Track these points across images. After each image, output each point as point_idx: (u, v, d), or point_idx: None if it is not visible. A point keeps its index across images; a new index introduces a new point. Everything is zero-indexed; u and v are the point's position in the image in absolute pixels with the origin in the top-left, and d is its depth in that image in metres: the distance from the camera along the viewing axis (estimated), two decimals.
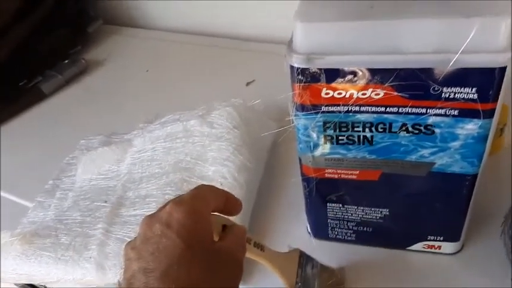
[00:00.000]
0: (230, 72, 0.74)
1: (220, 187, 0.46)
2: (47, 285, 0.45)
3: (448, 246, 0.40)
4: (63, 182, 0.54)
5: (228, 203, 0.31)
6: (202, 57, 0.79)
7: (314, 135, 0.34)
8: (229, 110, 0.53)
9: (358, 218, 0.40)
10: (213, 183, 0.47)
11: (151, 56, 0.81)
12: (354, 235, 0.42)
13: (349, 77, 0.30)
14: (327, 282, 0.38)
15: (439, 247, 0.40)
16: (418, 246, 0.41)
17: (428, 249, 0.41)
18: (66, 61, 0.77)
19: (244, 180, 0.47)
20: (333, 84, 0.31)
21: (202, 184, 0.31)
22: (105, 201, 0.48)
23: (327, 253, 0.43)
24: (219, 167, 0.48)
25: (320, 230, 0.43)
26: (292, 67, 0.31)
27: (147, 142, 0.54)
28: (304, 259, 0.37)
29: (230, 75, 0.73)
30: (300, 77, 0.31)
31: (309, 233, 0.44)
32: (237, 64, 0.76)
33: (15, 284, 0.47)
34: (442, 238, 0.39)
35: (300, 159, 0.38)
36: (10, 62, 0.71)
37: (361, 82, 0.30)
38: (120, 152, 0.55)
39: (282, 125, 0.57)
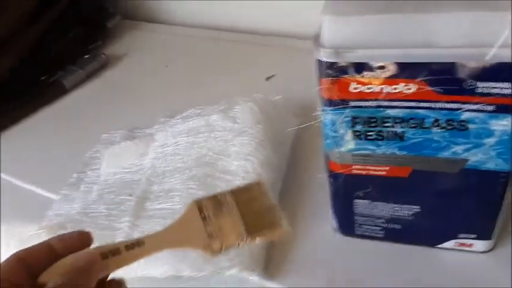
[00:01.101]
0: (250, 67, 0.73)
1: (242, 182, 0.46)
2: None
3: (480, 244, 0.39)
4: (88, 175, 0.54)
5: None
6: (222, 52, 0.79)
7: (342, 130, 0.34)
8: (251, 105, 0.53)
9: (387, 215, 0.39)
10: (236, 178, 0.47)
11: (170, 51, 0.81)
12: (382, 232, 0.41)
13: (380, 71, 0.29)
14: (249, 201, 0.31)
15: (471, 245, 0.39)
16: (449, 244, 0.40)
17: (460, 247, 0.40)
18: (87, 56, 0.78)
19: (267, 175, 0.47)
20: (363, 79, 0.30)
21: None
22: (130, 195, 0.48)
23: (354, 250, 0.42)
24: (242, 161, 0.48)
25: (346, 226, 0.42)
26: (319, 61, 0.30)
27: (170, 137, 0.54)
28: (205, 203, 0.31)
29: (250, 70, 0.72)
30: (327, 71, 0.30)
31: (335, 229, 0.43)
32: (256, 59, 0.75)
33: None
34: (474, 236, 0.38)
35: (326, 155, 0.37)
36: (31, 57, 0.72)
37: (392, 76, 0.29)
38: (143, 146, 0.55)
39: (303, 120, 0.56)
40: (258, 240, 0.30)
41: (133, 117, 0.65)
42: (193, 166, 0.49)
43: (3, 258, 0.26)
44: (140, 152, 0.54)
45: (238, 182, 0.46)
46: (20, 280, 0.25)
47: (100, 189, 0.51)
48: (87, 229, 0.42)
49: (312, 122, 0.38)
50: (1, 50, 0.69)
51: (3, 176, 0.59)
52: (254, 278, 0.41)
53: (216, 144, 0.51)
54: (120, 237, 0.43)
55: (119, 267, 0.27)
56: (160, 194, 0.47)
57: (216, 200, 0.32)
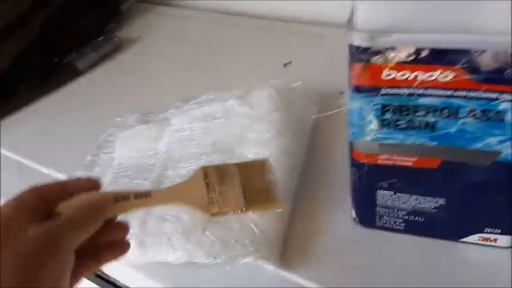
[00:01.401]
0: (266, 53, 0.72)
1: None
2: None
3: (504, 240, 0.38)
4: (102, 158, 0.54)
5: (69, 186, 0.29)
6: (237, 37, 0.77)
7: (370, 118, 0.32)
8: (270, 91, 0.52)
9: (410, 207, 0.38)
10: None
11: (185, 35, 0.80)
12: (403, 224, 0.40)
13: (415, 57, 0.28)
14: (251, 175, 0.34)
15: (495, 240, 0.38)
16: (473, 238, 0.39)
17: (483, 242, 0.38)
18: (100, 38, 0.77)
19: (286, 163, 0.46)
20: (396, 65, 0.29)
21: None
22: (145, 179, 0.47)
23: (373, 242, 0.41)
24: (260, 149, 0.47)
25: (366, 217, 0.41)
26: (351, 46, 0.29)
27: (185, 121, 0.53)
28: (211, 170, 0.33)
29: (266, 56, 0.71)
30: (360, 56, 0.29)
31: (354, 220, 0.42)
32: (273, 45, 0.74)
33: None
34: (499, 231, 0.37)
35: (350, 144, 0.36)
36: (44, 38, 0.71)
37: (428, 63, 0.28)
38: (157, 131, 0.54)
39: (321, 108, 0.55)
40: (252, 212, 0.34)
41: (146, 101, 0.64)
42: (210, 152, 0.48)
43: None
44: (154, 136, 0.53)
45: None
46: (36, 206, 0.27)
47: (114, 172, 0.50)
48: None
49: (336, 110, 0.37)
50: (14, 31, 0.68)
51: (16, 157, 0.59)
52: (269, 267, 0.40)
53: (233, 130, 0.50)
54: (136, 222, 0.42)
55: (126, 211, 0.30)
56: (176, 180, 0.47)
57: (221, 170, 0.34)
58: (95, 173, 0.52)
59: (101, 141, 0.57)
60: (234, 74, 0.68)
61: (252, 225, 0.41)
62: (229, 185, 0.33)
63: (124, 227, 0.31)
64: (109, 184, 0.48)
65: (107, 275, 0.45)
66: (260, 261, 0.39)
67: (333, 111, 0.35)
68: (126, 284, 0.45)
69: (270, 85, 0.53)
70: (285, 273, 0.40)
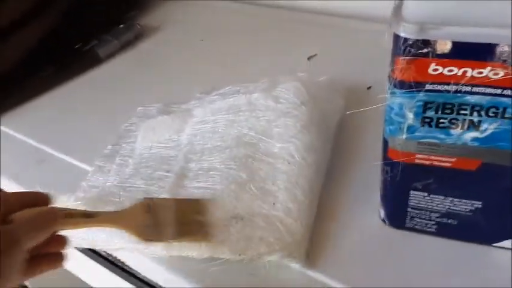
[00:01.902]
0: (289, 45, 0.70)
1: (288, 166, 0.44)
2: (109, 252, 0.44)
3: None
4: (123, 148, 0.53)
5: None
6: (261, 28, 0.76)
7: (410, 115, 0.31)
8: (296, 85, 0.50)
9: (444, 209, 0.37)
10: (279, 161, 0.45)
11: (207, 25, 0.79)
12: (434, 226, 0.39)
13: (466, 52, 0.26)
14: (186, 211, 0.39)
15: None
16: (507, 243, 0.37)
17: None
18: (122, 26, 0.76)
19: (313, 160, 0.45)
20: (445, 60, 0.27)
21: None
22: (168, 171, 0.46)
23: (403, 243, 0.40)
24: (286, 144, 0.45)
25: (396, 218, 0.40)
26: (397, 37, 0.27)
27: (208, 113, 0.52)
28: (151, 203, 0.39)
29: (289, 48, 0.70)
30: (406, 49, 0.27)
31: (383, 220, 0.41)
32: (297, 37, 0.72)
33: (75, 248, 0.46)
34: None
35: (385, 141, 0.35)
36: (65, 24, 0.70)
37: (479, 59, 0.27)
38: (180, 122, 0.53)
39: (348, 102, 0.54)
40: (179, 241, 0.38)
41: (167, 91, 0.63)
42: (233, 145, 0.47)
43: None
44: (177, 128, 0.52)
45: (280, 165, 0.44)
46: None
47: (136, 163, 0.49)
48: (125, 203, 0.41)
49: (373, 106, 0.35)
50: (36, 15, 0.67)
51: (34, 143, 0.58)
52: (295, 266, 0.39)
53: (258, 124, 0.48)
54: None
55: (70, 228, 0.34)
56: (199, 172, 0.46)
57: (161, 203, 0.40)
58: (115, 162, 0.51)
59: (122, 131, 0.56)
60: (257, 65, 0.66)
61: (278, 223, 0.40)
62: (166, 218, 0.38)
63: (64, 240, 0.34)
64: (130, 175, 0.47)
65: (128, 266, 0.45)
66: (286, 260, 0.38)
67: (369, 107, 0.33)
68: (147, 275, 0.44)
69: (297, 78, 0.51)
70: (310, 273, 0.39)
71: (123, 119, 0.58)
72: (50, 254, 0.34)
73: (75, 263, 0.52)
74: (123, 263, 0.45)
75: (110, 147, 0.54)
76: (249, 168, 0.45)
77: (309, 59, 0.65)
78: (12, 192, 0.32)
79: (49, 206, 0.34)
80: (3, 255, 0.27)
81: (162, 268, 0.41)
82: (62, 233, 0.34)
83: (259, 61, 0.67)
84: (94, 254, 0.47)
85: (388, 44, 0.29)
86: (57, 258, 0.34)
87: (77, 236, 0.42)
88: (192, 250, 0.40)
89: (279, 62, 0.66)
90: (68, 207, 0.42)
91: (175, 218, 0.38)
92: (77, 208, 0.36)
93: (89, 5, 0.74)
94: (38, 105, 0.66)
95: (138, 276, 0.44)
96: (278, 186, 0.43)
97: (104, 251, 0.46)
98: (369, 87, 0.58)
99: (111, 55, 0.72)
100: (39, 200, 0.33)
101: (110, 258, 0.46)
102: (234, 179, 0.44)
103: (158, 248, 0.40)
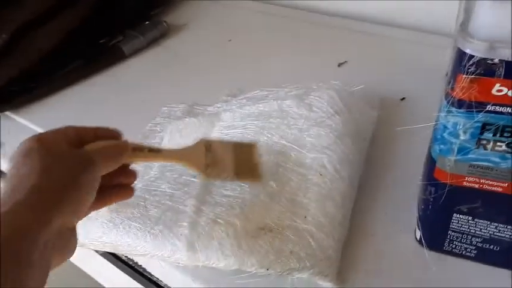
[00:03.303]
0: (319, 50, 0.69)
1: (320, 178, 0.43)
2: (132, 257, 0.43)
3: None
4: None
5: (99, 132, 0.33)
6: (290, 31, 0.74)
7: (465, 137, 0.29)
8: (330, 93, 0.49)
9: (487, 235, 0.35)
10: (311, 172, 0.43)
11: (234, 25, 0.77)
12: (474, 252, 0.37)
13: None
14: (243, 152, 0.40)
15: None
16: None
17: None
18: (147, 23, 0.74)
19: (346, 172, 0.43)
20: (510, 81, 0.25)
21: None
22: (194, 177, 0.45)
23: (440, 267, 0.38)
24: (319, 155, 0.44)
25: (435, 240, 0.38)
26: (463, 54, 0.26)
27: (237, 118, 0.50)
28: (210, 143, 0.39)
29: (318, 52, 0.68)
30: (471, 67, 0.26)
31: (418, 241, 0.39)
32: (327, 42, 0.70)
33: (96, 251, 0.45)
34: None
35: (433, 161, 0.33)
36: (92, 18, 0.69)
37: None
38: (207, 125, 0.51)
39: (381, 114, 0.52)
40: (237, 180, 0.41)
41: (192, 91, 0.62)
42: (263, 153, 0.46)
43: None
44: (204, 131, 0.51)
45: (312, 176, 0.43)
46: (71, 137, 0.31)
47: (161, 166, 0.48)
48: (150, 207, 0.40)
49: (427, 124, 0.33)
50: (63, 10, 0.66)
51: None
52: (326, 284, 0.37)
53: (289, 132, 0.47)
54: (185, 221, 0.40)
55: (139, 160, 0.36)
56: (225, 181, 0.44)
57: (220, 144, 0.41)
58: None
59: (146, 131, 0.54)
60: (284, 69, 0.65)
61: (309, 238, 0.38)
62: (225, 156, 0.39)
63: (134, 174, 0.36)
64: (156, 178, 0.46)
65: (149, 273, 0.43)
66: (317, 278, 0.37)
67: (419, 125, 0.31)
68: (169, 284, 0.42)
69: (331, 86, 0.50)
70: None
71: (147, 117, 0.56)
72: (119, 185, 0.35)
73: (93, 265, 0.51)
74: (144, 269, 0.44)
75: None
76: (279, 178, 0.43)
77: (339, 65, 0.64)
78: (86, 126, 0.33)
79: (120, 139, 0.35)
80: (85, 172, 0.29)
81: (186, 277, 0.40)
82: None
83: (287, 64, 0.66)
84: (114, 257, 0.46)
85: (448, 59, 0.27)
86: (126, 191, 0.36)
87: (100, 240, 0.41)
88: (219, 261, 0.38)
89: (307, 66, 0.65)
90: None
91: (232, 159, 0.39)
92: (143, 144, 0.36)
93: (117, 0, 0.73)
94: (60, 100, 0.65)
95: (160, 284, 0.43)
96: (309, 199, 0.41)
97: (125, 256, 0.44)
98: (403, 99, 0.56)
99: (135, 52, 0.71)
100: (111, 134, 0.34)
101: (130, 262, 0.45)
102: (264, 189, 0.42)
103: (183, 257, 0.38)
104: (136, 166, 0.49)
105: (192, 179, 0.45)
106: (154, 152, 0.36)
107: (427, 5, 0.67)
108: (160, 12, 0.78)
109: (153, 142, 0.52)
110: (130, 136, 0.53)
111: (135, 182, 0.40)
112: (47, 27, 0.61)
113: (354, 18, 0.73)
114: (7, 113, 0.62)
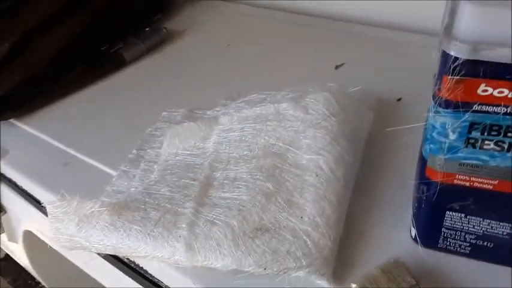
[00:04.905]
0: (317, 52, 0.70)
1: (316, 178, 0.43)
2: (133, 259, 0.44)
3: None
4: (148, 153, 0.53)
5: None
6: (287, 35, 0.75)
7: (453, 136, 0.30)
8: (326, 95, 0.50)
9: (480, 232, 0.36)
10: (307, 173, 0.44)
11: (233, 30, 0.78)
12: (469, 248, 0.37)
13: None
14: None
15: None
16: None
17: None
18: (147, 29, 0.76)
19: (342, 173, 0.44)
20: (496, 81, 0.26)
21: None
22: (194, 180, 0.46)
23: (434, 264, 0.39)
24: (314, 156, 0.45)
25: (429, 238, 0.39)
26: (447, 56, 0.26)
27: (235, 121, 0.51)
28: None
29: (316, 56, 0.69)
30: (456, 68, 0.26)
31: (413, 239, 0.40)
32: (325, 45, 0.71)
33: (98, 254, 0.46)
34: None
35: (424, 160, 0.34)
36: (91, 26, 0.71)
37: None
38: (206, 129, 0.52)
39: (377, 115, 0.53)
40: None
41: (192, 96, 0.63)
42: (261, 156, 0.46)
43: None
44: (203, 135, 0.52)
45: (308, 177, 0.43)
46: None
47: (161, 169, 0.49)
48: (150, 210, 0.40)
49: (415, 125, 0.34)
50: (63, 17, 0.67)
51: (58, 145, 0.59)
52: (322, 282, 0.38)
53: (286, 134, 0.48)
54: (183, 223, 0.41)
55: None
56: (225, 182, 0.45)
57: None
58: (140, 168, 0.51)
59: (146, 135, 0.56)
60: (282, 73, 0.66)
61: (305, 237, 0.39)
62: None
63: None
64: (156, 181, 0.47)
65: (151, 275, 0.44)
66: (313, 276, 0.37)
67: (411, 125, 0.32)
68: (170, 285, 0.43)
69: (327, 88, 0.50)
70: None
71: (148, 123, 0.58)
72: None
73: (96, 267, 0.52)
74: (145, 270, 0.45)
75: (134, 151, 0.53)
76: (276, 179, 0.44)
77: (336, 67, 0.65)
78: None
79: None
80: None
81: (186, 278, 0.40)
82: None
83: (285, 68, 0.67)
84: (115, 259, 0.47)
85: (435, 61, 0.28)
86: None
87: (102, 243, 0.42)
88: (217, 261, 0.39)
89: (305, 69, 0.66)
90: (93, 211, 0.42)
91: None
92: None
93: (116, 7, 0.74)
94: (61, 107, 0.66)
95: (161, 285, 0.44)
96: (306, 199, 0.42)
97: (127, 258, 0.45)
98: (399, 99, 0.57)
99: (136, 58, 0.72)
100: None
101: (131, 265, 0.46)
102: (261, 190, 0.43)
103: (182, 258, 0.39)
104: (137, 170, 0.51)
105: (192, 182, 0.46)
106: None
107: (423, 7, 0.68)
108: (160, 18, 0.79)
109: (152, 146, 0.53)
110: (131, 140, 0.55)
111: (136, 186, 0.41)
112: (49, 35, 0.62)
113: (351, 21, 0.74)
114: (11, 120, 0.64)
